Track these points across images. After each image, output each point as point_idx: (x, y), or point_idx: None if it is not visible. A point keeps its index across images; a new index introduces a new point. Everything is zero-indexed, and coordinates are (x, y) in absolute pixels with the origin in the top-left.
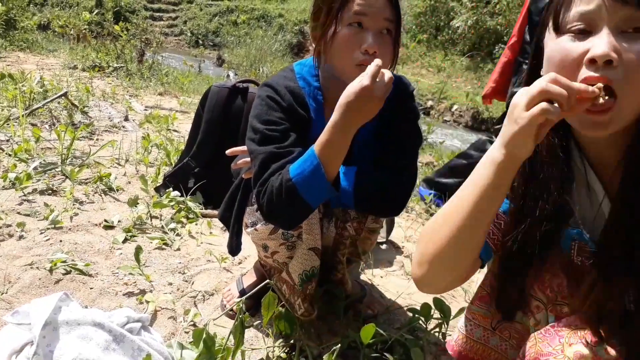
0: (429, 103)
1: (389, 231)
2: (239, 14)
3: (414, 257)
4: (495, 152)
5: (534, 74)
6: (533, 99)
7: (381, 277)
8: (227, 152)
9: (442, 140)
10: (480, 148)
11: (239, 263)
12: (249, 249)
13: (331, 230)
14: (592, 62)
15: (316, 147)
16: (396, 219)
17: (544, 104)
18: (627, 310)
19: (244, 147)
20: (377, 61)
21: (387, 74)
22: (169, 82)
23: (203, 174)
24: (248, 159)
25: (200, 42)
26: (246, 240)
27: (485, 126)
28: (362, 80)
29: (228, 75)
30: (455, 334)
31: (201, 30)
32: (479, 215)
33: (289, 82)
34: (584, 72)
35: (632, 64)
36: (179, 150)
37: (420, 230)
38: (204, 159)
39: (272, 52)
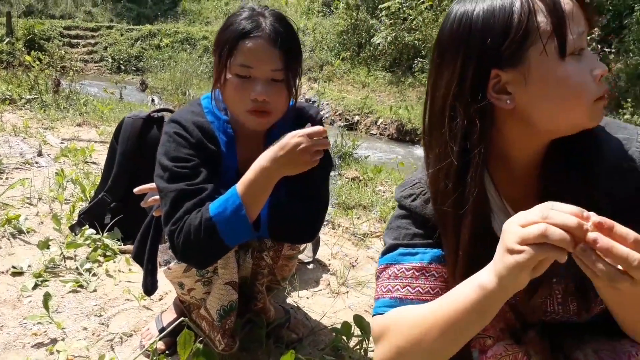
0: (356, 118)
1: (315, 250)
2: (161, 38)
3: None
4: (485, 277)
5: (483, 135)
6: (528, 238)
7: (307, 298)
8: (135, 190)
9: (367, 154)
10: None
11: (160, 299)
12: (170, 284)
13: (248, 261)
14: (600, 77)
15: (239, 186)
16: (322, 236)
17: (546, 247)
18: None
19: (153, 185)
20: (320, 127)
21: (319, 131)
22: (88, 112)
23: (120, 208)
24: (158, 197)
25: (123, 67)
26: (164, 276)
27: (409, 137)
28: (300, 138)
29: (153, 100)
30: None
31: (123, 55)
32: (457, 337)
33: (197, 117)
34: (598, 88)
35: None
36: (96, 184)
37: (346, 245)
38: (120, 192)
39: (197, 75)
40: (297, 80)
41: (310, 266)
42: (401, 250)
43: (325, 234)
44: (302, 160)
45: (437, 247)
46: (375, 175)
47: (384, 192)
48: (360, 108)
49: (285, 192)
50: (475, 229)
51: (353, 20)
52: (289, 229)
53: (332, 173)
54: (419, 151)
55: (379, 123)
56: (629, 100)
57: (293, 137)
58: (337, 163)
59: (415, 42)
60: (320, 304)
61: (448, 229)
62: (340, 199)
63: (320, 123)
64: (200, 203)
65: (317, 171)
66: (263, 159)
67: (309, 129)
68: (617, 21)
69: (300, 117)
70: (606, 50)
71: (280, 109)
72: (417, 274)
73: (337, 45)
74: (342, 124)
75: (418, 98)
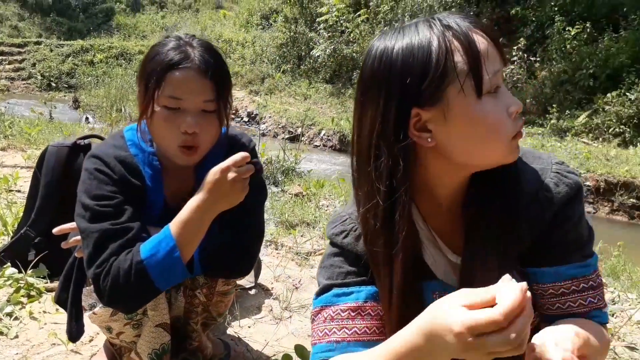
0: (299, 130)
1: (256, 275)
2: (95, 53)
3: None
4: (419, 339)
5: (408, 173)
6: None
7: (249, 327)
8: (55, 231)
9: (310, 169)
10: None
11: (90, 341)
12: None
13: (180, 300)
14: (516, 114)
15: (173, 227)
16: (265, 258)
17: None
18: None
19: (74, 224)
20: (243, 153)
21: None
22: (14, 135)
23: (45, 243)
24: (79, 237)
25: (54, 84)
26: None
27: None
28: (226, 170)
29: (87, 119)
30: None
31: (53, 72)
32: None
33: (119, 152)
34: (514, 125)
35: None
36: (19, 217)
37: (290, 266)
38: (44, 226)
39: (134, 91)
40: (229, 109)
41: (252, 291)
42: (336, 290)
43: (267, 255)
44: (235, 192)
45: (371, 284)
46: (318, 190)
47: (327, 206)
48: (302, 120)
49: (218, 224)
50: (407, 265)
51: (292, 33)
52: (223, 264)
53: (275, 189)
54: None
55: (321, 135)
56: (554, 105)
57: (218, 172)
58: (280, 179)
59: (354, 54)
60: (262, 333)
61: (380, 268)
62: (283, 217)
63: (254, 151)
64: (127, 244)
65: (250, 199)
66: (196, 198)
67: (232, 159)
68: (540, 31)
69: (232, 146)
70: (532, 59)
71: (210, 140)
72: (352, 314)
73: (277, 58)
74: (285, 137)
75: None
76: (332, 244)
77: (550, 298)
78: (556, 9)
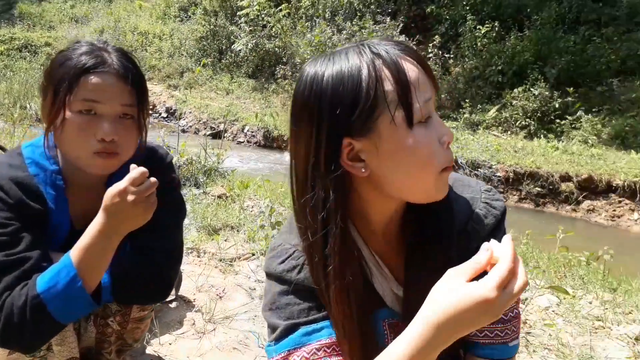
0: (222, 126)
1: (177, 287)
2: None
3: None
4: (428, 335)
5: (340, 204)
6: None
7: (170, 344)
8: None
9: (234, 168)
10: None
11: None
12: None
13: (90, 330)
14: (448, 144)
15: (74, 254)
16: (187, 267)
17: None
18: None
19: None
20: (140, 169)
21: (151, 179)
22: None
23: None
24: None
25: None
26: None
27: (276, 144)
28: (124, 191)
29: None
30: None
31: None
32: None
33: (16, 172)
34: (445, 157)
35: None
36: None
37: (213, 274)
38: None
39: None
40: (147, 120)
41: (173, 305)
42: (304, 329)
43: (189, 263)
44: (138, 213)
45: None
46: (242, 191)
47: (252, 207)
48: (224, 116)
49: (130, 247)
50: (357, 295)
51: (212, 27)
52: (136, 290)
53: (196, 191)
54: (287, 157)
55: (245, 130)
56: (467, 100)
57: (116, 195)
58: (202, 180)
59: (276, 49)
60: (184, 349)
61: (328, 302)
62: (205, 222)
63: (170, 166)
64: (23, 276)
65: (166, 219)
66: (97, 221)
67: (129, 177)
68: (453, 29)
69: (150, 158)
70: (446, 56)
71: (131, 148)
72: (328, 351)
73: (197, 51)
74: (207, 133)
75: (283, 104)
76: (282, 280)
77: None
78: (468, 8)
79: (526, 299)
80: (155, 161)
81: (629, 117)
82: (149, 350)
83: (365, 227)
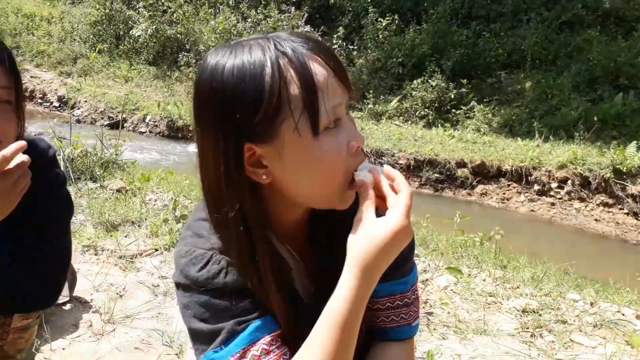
0: (122, 115)
1: (71, 287)
2: None
3: None
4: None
5: (254, 209)
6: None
7: (63, 349)
8: None
9: (134, 160)
10: None
11: None
12: None
13: None
14: (357, 150)
15: None
16: (82, 266)
17: None
18: None
19: None
20: (17, 143)
21: (18, 158)
22: None
23: None
24: None
25: None
26: None
27: (181, 134)
28: None
29: None
30: None
31: None
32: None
33: None
34: (357, 160)
35: None
36: None
37: (112, 272)
38: None
39: None
40: (24, 107)
41: (67, 307)
42: (254, 325)
43: (85, 262)
44: (5, 196)
45: None
46: (143, 184)
47: (154, 201)
48: (123, 105)
49: (9, 252)
50: (288, 287)
51: (107, 11)
52: (17, 298)
53: (92, 185)
54: (192, 148)
55: (147, 120)
56: (371, 91)
57: None
58: (99, 173)
59: (178, 35)
60: (80, 353)
61: (267, 300)
62: (102, 218)
63: (54, 160)
64: None
65: (51, 218)
66: None
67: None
68: (356, 21)
69: (29, 153)
70: (350, 47)
71: (11, 137)
72: (282, 340)
73: (91, 36)
74: (105, 123)
75: (187, 93)
76: (209, 287)
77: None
78: (369, 0)
79: (426, 280)
80: (36, 156)
81: (515, 107)
82: (38, 357)
83: (280, 228)
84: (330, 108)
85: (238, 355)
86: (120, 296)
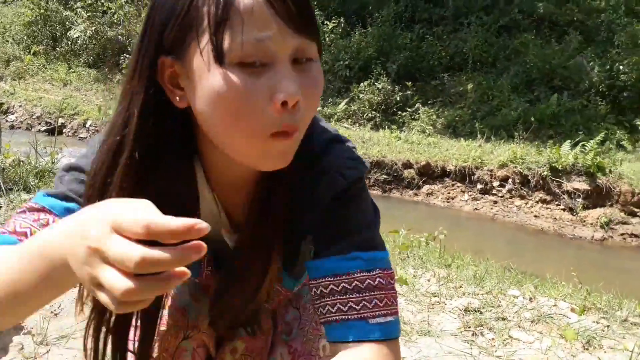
0: (60, 120)
1: None
2: None
3: None
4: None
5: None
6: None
7: None
8: None
9: None
10: None
11: None
12: None
13: None
14: (285, 105)
15: None
16: None
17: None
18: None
19: None
20: None
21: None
22: None
23: None
24: None
25: None
26: None
27: None
28: None
29: None
30: None
31: None
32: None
33: None
34: (278, 119)
35: (308, 101)
36: None
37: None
38: None
39: None
40: None
41: None
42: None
43: None
44: None
45: None
46: None
47: None
48: (61, 109)
49: None
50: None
51: (42, 11)
52: None
53: (26, 196)
54: None
55: (88, 125)
56: None
57: None
58: (33, 183)
59: (120, 37)
60: None
61: None
62: None
63: None
64: None
65: None
66: None
67: None
68: None
69: None
70: None
71: None
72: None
73: (25, 37)
74: (42, 129)
75: None
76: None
77: (313, 299)
78: (315, 2)
79: None
80: None
81: (458, 109)
82: None
83: (219, 183)
84: (249, 40)
85: (38, 206)
86: (56, 315)
